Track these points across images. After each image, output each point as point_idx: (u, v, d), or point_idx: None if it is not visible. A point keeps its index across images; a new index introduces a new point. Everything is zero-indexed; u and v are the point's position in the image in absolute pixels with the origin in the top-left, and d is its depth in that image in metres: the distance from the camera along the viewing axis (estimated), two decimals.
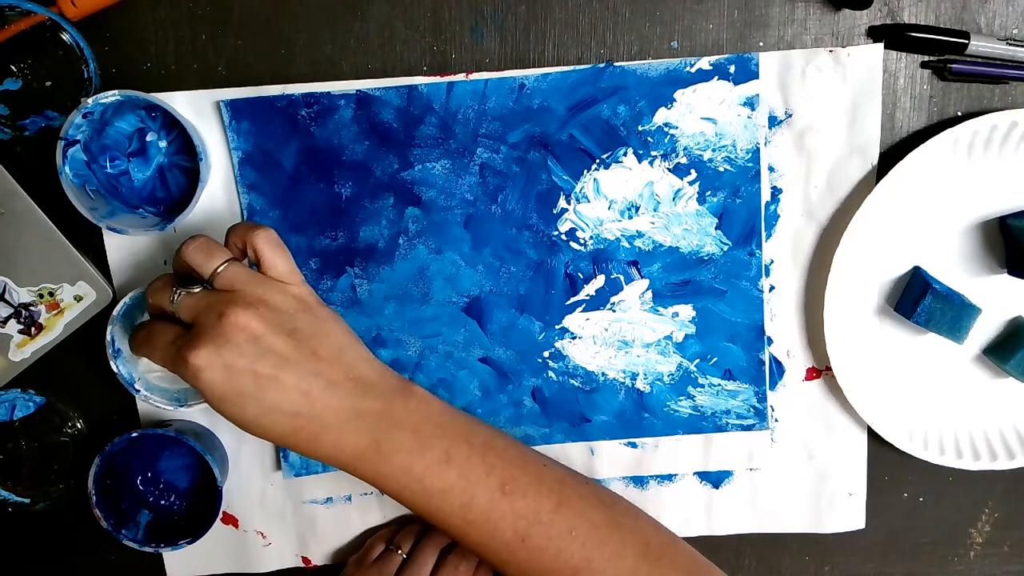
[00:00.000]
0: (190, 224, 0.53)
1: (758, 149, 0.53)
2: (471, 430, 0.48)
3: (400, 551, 0.55)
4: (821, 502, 0.58)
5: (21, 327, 0.53)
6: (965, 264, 0.54)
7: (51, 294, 0.52)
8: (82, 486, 0.53)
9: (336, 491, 0.57)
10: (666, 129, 0.52)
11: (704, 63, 0.51)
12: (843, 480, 0.57)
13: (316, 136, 0.52)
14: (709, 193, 0.53)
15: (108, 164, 0.52)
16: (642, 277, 0.54)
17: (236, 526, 0.57)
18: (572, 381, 0.56)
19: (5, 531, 0.57)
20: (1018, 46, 0.52)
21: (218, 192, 0.53)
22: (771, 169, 0.53)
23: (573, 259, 0.54)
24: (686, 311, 0.55)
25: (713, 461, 0.57)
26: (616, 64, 0.52)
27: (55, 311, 0.53)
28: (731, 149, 0.53)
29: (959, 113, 0.54)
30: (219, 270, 0.44)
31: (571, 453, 0.57)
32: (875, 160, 0.53)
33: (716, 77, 0.52)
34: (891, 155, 0.53)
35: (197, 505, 0.55)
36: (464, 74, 0.52)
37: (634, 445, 0.57)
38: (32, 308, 0.52)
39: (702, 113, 0.52)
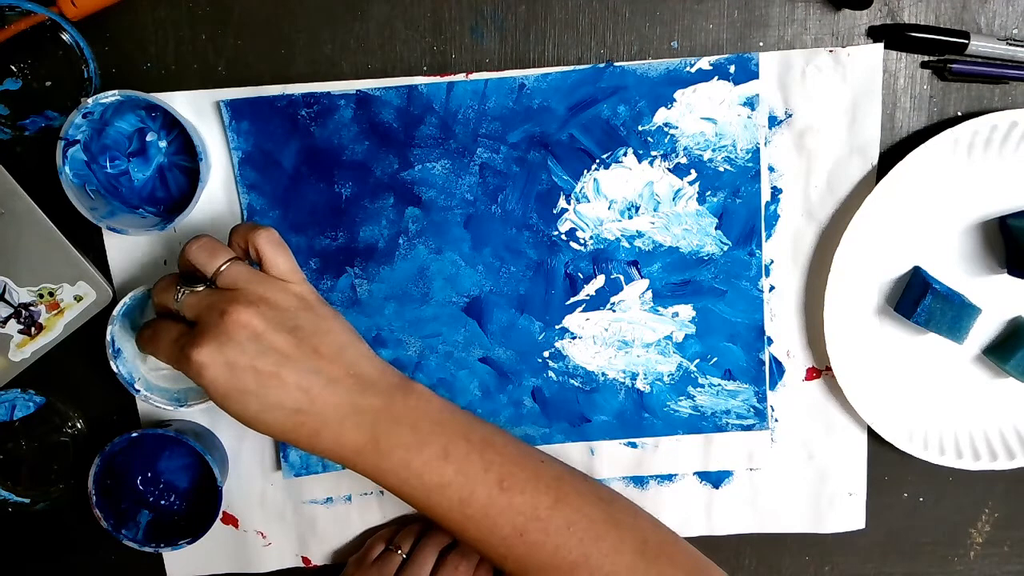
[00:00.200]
0: (190, 224, 0.53)
1: (758, 149, 0.53)
2: (470, 427, 0.48)
3: (400, 551, 0.55)
4: (821, 502, 0.58)
5: (21, 327, 0.53)
6: (965, 264, 0.54)
7: (51, 294, 0.52)
8: (82, 486, 0.53)
9: (336, 491, 0.57)
10: (666, 129, 0.52)
11: (704, 63, 0.51)
12: (843, 480, 0.57)
13: (316, 136, 0.52)
14: (709, 193, 0.53)
15: (108, 164, 0.52)
16: (642, 277, 0.54)
17: (236, 526, 0.57)
18: (572, 381, 0.56)
19: (5, 531, 0.57)
20: (1018, 46, 0.52)
21: (218, 192, 0.53)
22: (771, 169, 0.53)
23: (573, 259, 0.54)
24: (686, 311, 0.55)
25: (713, 461, 0.57)
26: (616, 64, 0.52)
27: (55, 311, 0.53)
28: (731, 149, 0.53)
29: (959, 113, 0.54)
30: (222, 269, 0.45)
31: (571, 453, 0.57)
32: (875, 160, 0.53)
33: (716, 77, 0.52)
34: (891, 155, 0.53)
35: (197, 505, 0.55)
36: (464, 74, 0.52)
37: (634, 445, 0.57)
38: (32, 308, 0.53)
39: (702, 113, 0.52)
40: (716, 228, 0.54)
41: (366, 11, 0.51)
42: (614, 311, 0.55)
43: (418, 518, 0.57)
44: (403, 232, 0.53)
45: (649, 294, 0.54)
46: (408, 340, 0.55)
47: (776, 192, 0.54)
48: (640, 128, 0.52)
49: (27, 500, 0.56)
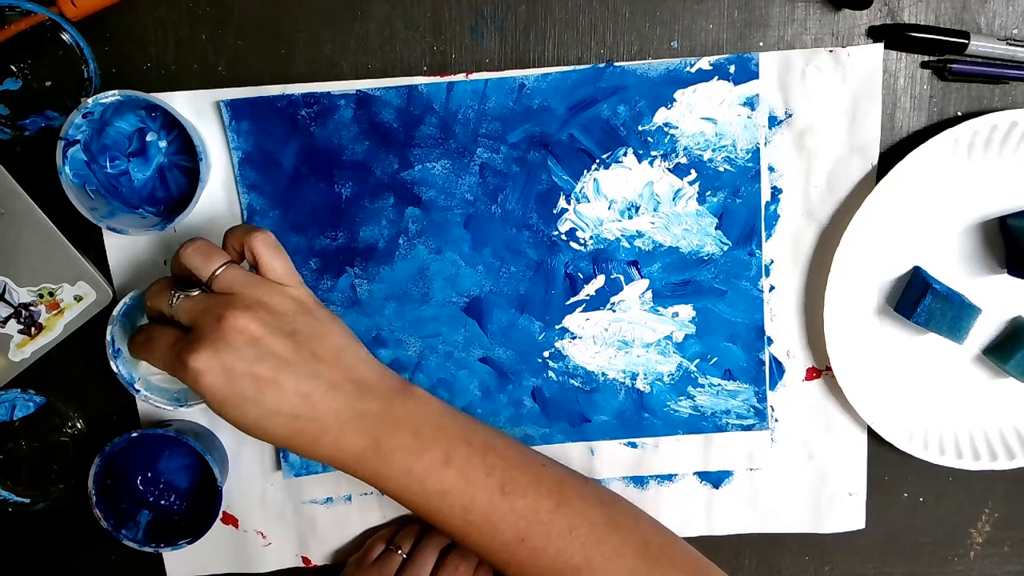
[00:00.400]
0: (190, 224, 0.53)
1: (758, 149, 0.53)
2: (471, 431, 0.48)
3: (400, 551, 0.55)
4: (821, 502, 0.58)
5: (21, 327, 0.53)
6: (965, 264, 0.54)
7: (51, 294, 0.52)
8: (82, 486, 0.53)
9: (336, 491, 0.57)
10: (666, 129, 0.52)
11: (704, 63, 0.51)
12: (843, 480, 0.57)
13: (316, 136, 0.52)
14: (709, 193, 0.53)
15: (108, 164, 0.52)
16: (642, 277, 0.54)
17: (236, 526, 0.57)
18: (572, 381, 0.56)
19: (5, 531, 0.57)
20: (1018, 46, 0.52)
21: (218, 192, 0.53)
22: (771, 169, 0.53)
23: (573, 259, 0.54)
24: (686, 311, 0.55)
25: (713, 461, 0.57)
26: (616, 64, 0.52)
27: (55, 311, 0.53)
28: (731, 149, 0.53)
29: (959, 113, 0.54)
30: (217, 273, 0.44)
31: (571, 453, 0.57)
32: (875, 160, 0.53)
33: (716, 77, 0.52)
34: (891, 155, 0.53)
35: (197, 505, 0.55)
36: (464, 74, 0.52)
37: (634, 445, 0.57)
38: (32, 308, 0.52)
39: (702, 113, 0.52)
40: (716, 228, 0.54)
41: (366, 11, 0.51)
42: (614, 311, 0.55)
43: (418, 518, 0.57)
44: (403, 232, 0.53)
45: (649, 294, 0.54)
46: (408, 340, 0.55)
47: (776, 192, 0.54)
48: (640, 128, 0.52)
49: (27, 500, 0.56)
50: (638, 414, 0.56)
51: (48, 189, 0.50)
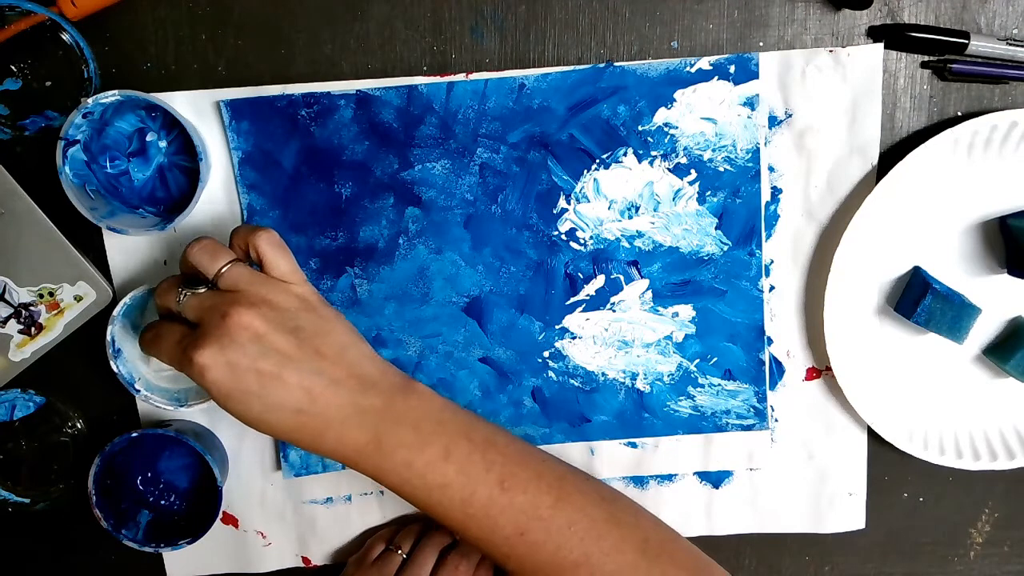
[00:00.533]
0: (190, 224, 0.53)
1: (758, 149, 0.53)
2: (471, 427, 0.48)
3: (400, 551, 0.55)
4: (821, 502, 0.58)
5: (21, 327, 0.53)
6: (965, 264, 0.54)
7: (51, 294, 0.52)
8: (82, 486, 0.53)
9: (336, 491, 0.57)
10: (666, 129, 0.52)
11: (704, 63, 0.51)
12: (843, 480, 0.57)
13: (316, 136, 0.52)
14: (709, 193, 0.53)
15: (108, 164, 0.52)
16: (642, 277, 0.54)
17: (236, 526, 0.57)
18: (572, 381, 0.56)
19: (5, 531, 0.57)
20: (1018, 46, 0.52)
21: (218, 192, 0.53)
22: (771, 169, 0.53)
23: (573, 259, 0.54)
24: (686, 311, 0.55)
25: (713, 461, 0.57)
26: (616, 64, 0.52)
27: (55, 311, 0.53)
28: (731, 149, 0.53)
29: (959, 113, 0.54)
30: (223, 271, 0.45)
31: (571, 453, 0.57)
32: (875, 160, 0.53)
33: (716, 77, 0.52)
34: (891, 155, 0.53)
35: (197, 505, 0.55)
36: (464, 74, 0.52)
37: (634, 445, 0.57)
38: (32, 308, 0.53)
39: (702, 113, 0.52)
40: (716, 228, 0.54)
41: (366, 11, 0.51)
42: (614, 311, 0.55)
43: (418, 518, 0.57)
44: (403, 232, 0.53)
45: (649, 294, 0.54)
46: (408, 340, 0.55)
47: (776, 192, 0.54)
48: (640, 128, 0.52)
49: (27, 500, 0.56)
50: (638, 414, 0.56)
51: (48, 189, 0.50)
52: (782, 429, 0.57)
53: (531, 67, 0.52)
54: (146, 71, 0.51)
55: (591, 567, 0.47)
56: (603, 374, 0.56)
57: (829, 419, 0.57)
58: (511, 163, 0.53)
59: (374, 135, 0.52)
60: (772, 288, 0.55)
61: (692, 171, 0.53)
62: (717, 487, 0.58)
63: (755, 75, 0.52)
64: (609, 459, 0.57)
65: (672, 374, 0.56)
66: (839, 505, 0.58)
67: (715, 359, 0.55)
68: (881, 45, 0.52)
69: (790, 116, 0.52)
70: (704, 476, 0.58)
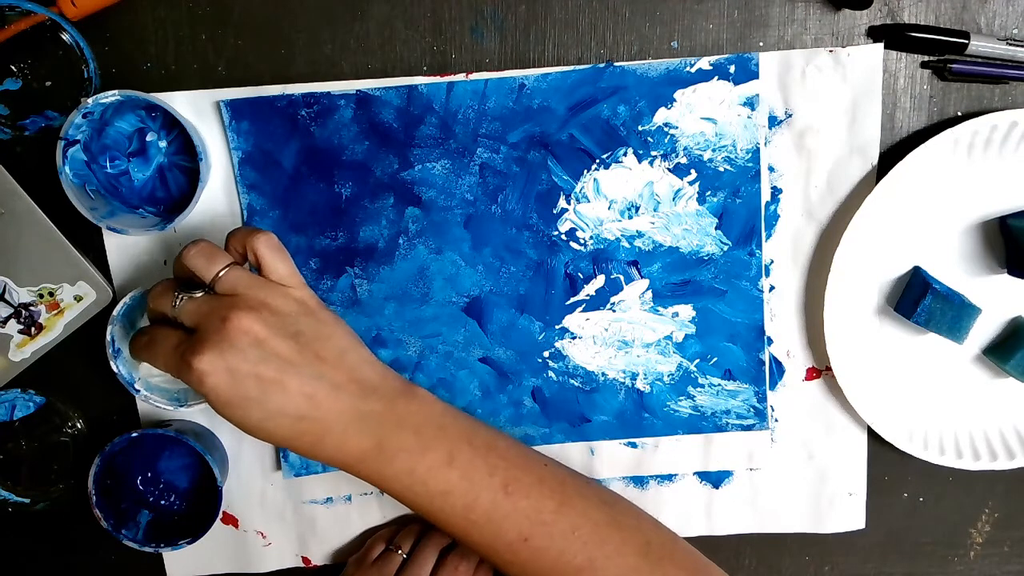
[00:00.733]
0: (190, 224, 0.53)
1: (758, 149, 0.53)
2: (473, 431, 0.48)
3: (400, 551, 0.55)
4: (821, 502, 0.58)
5: (21, 327, 0.53)
6: (965, 264, 0.54)
7: (51, 294, 0.52)
8: (82, 486, 0.53)
9: (336, 491, 0.57)
10: (666, 129, 0.52)
11: (704, 63, 0.51)
12: (843, 480, 0.57)
13: (316, 136, 0.52)
14: (709, 193, 0.53)
15: (108, 164, 0.52)
16: (642, 277, 0.54)
17: (236, 526, 0.57)
18: (572, 381, 0.56)
19: (5, 531, 0.57)
20: (1018, 46, 0.52)
21: (218, 192, 0.53)
22: (771, 169, 0.53)
23: (573, 259, 0.54)
24: (686, 311, 0.55)
25: (713, 461, 0.57)
26: (616, 64, 0.52)
27: (55, 311, 0.53)
28: (731, 149, 0.53)
29: (959, 113, 0.54)
30: (220, 274, 0.44)
31: (571, 453, 0.57)
32: (875, 160, 0.53)
33: (716, 77, 0.52)
34: (891, 155, 0.53)
35: (197, 505, 0.55)
36: (464, 74, 0.52)
37: (634, 445, 0.57)
38: (32, 308, 0.52)
39: (702, 113, 0.52)
40: (716, 228, 0.54)
41: (366, 11, 0.51)
42: (614, 311, 0.55)
43: (418, 518, 0.57)
44: (403, 232, 0.53)
45: (649, 294, 0.54)
46: (408, 340, 0.55)
47: (776, 192, 0.54)
48: (640, 128, 0.52)
49: (27, 500, 0.56)
50: (638, 414, 0.56)
51: (48, 189, 0.50)
52: (782, 429, 0.57)
53: (531, 67, 0.52)
54: (146, 71, 0.51)
55: (594, 571, 0.47)
56: (603, 374, 0.56)
57: (829, 419, 0.57)
58: (511, 163, 0.53)
59: (374, 135, 0.52)
60: (772, 288, 0.55)
61: (692, 171, 0.53)
62: (717, 487, 0.58)
63: (755, 75, 0.52)
64: (609, 459, 0.57)
65: (672, 374, 0.56)
66: (839, 505, 0.58)
67: (715, 359, 0.55)
68: (881, 45, 0.52)
69: (790, 116, 0.52)
70: (704, 476, 0.58)
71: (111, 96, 0.48)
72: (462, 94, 0.52)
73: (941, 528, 0.59)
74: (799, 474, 0.58)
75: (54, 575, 0.58)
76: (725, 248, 0.54)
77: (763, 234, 0.54)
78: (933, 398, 0.56)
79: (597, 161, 0.53)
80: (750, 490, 0.58)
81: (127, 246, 0.53)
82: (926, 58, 0.53)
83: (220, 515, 0.53)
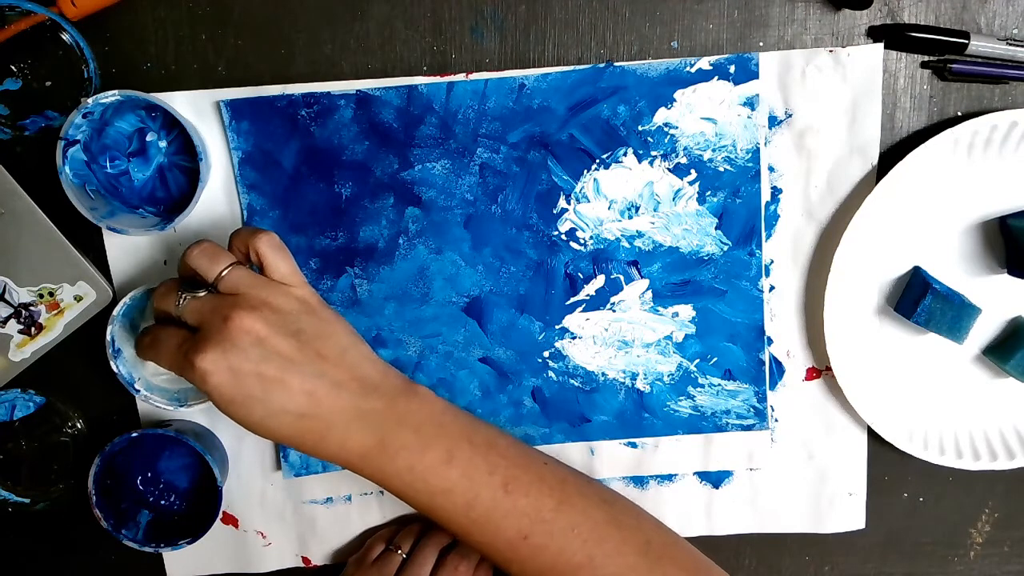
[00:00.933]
0: (190, 224, 0.53)
1: (758, 149, 0.53)
2: (473, 429, 0.48)
3: (400, 551, 0.55)
4: (821, 502, 0.58)
5: (21, 327, 0.53)
6: (965, 264, 0.54)
7: (51, 294, 0.52)
8: (82, 486, 0.53)
9: (336, 491, 0.57)
10: (666, 129, 0.52)
11: (704, 63, 0.51)
12: (843, 480, 0.57)
13: (316, 136, 0.52)
14: (709, 193, 0.53)
15: (108, 164, 0.52)
16: (642, 277, 0.54)
17: (236, 526, 0.57)
18: (572, 381, 0.56)
19: (5, 531, 0.57)
20: (1018, 46, 0.52)
21: (218, 192, 0.53)
22: (771, 169, 0.53)
23: (573, 259, 0.54)
24: (686, 311, 0.55)
25: (713, 461, 0.57)
26: (616, 64, 0.52)
27: (55, 311, 0.53)
28: (731, 149, 0.53)
29: (959, 113, 0.54)
30: (223, 274, 0.44)
31: (571, 453, 0.57)
32: (875, 160, 0.53)
33: (716, 77, 0.52)
34: (891, 155, 0.53)
35: (197, 505, 0.55)
36: (464, 74, 0.52)
37: (634, 445, 0.57)
38: (32, 308, 0.52)
39: (702, 113, 0.52)
40: (716, 228, 0.54)
41: (366, 11, 0.51)
42: (614, 311, 0.55)
43: (418, 518, 0.57)
44: (403, 232, 0.53)
45: (649, 294, 0.54)
46: (408, 340, 0.55)
47: (776, 192, 0.54)
48: (640, 128, 0.52)
49: (27, 500, 0.56)
50: (638, 414, 0.56)
51: (48, 189, 0.50)
52: (782, 429, 0.57)
53: (531, 67, 0.52)
54: (146, 71, 0.51)
55: (593, 569, 0.47)
56: (603, 374, 0.56)
57: (829, 419, 0.57)
58: (511, 163, 0.53)
59: (374, 135, 0.52)
60: (772, 288, 0.55)
61: (692, 171, 0.53)
62: (717, 487, 0.58)
63: (755, 75, 0.52)
64: (609, 459, 0.57)
65: (672, 374, 0.56)
66: (839, 505, 0.58)
67: (715, 359, 0.55)
68: (881, 45, 0.52)
69: (790, 116, 0.52)
70: (704, 476, 0.58)
71: (111, 96, 0.48)
72: (462, 94, 0.52)
73: (941, 528, 0.59)
74: (799, 474, 0.58)
75: (54, 575, 0.58)
76: (725, 248, 0.54)
77: (763, 234, 0.54)
78: (933, 398, 0.56)
79: (597, 161, 0.53)
80: (750, 490, 0.58)
81: (127, 246, 0.53)
82: (926, 58, 0.53)
83: (220, 515, 0.53)
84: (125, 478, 0.55)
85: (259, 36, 0.51)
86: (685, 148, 0.52)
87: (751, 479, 0.58)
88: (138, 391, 0.52)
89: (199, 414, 0.56)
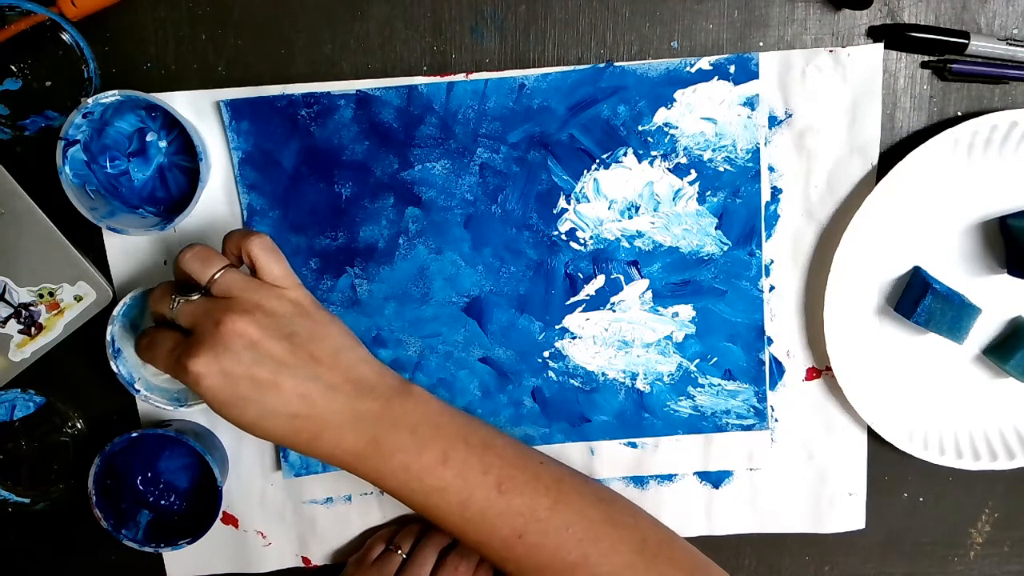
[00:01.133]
0: (190, 224, 0.53)
1: (758, 149, 0.53)
2: (469, 430, 0.48)
3: (400, 551, 0.55)
4: (821, 502, 0.58)
5: (21, 327, 0.53)
6: (965, 264, 0.54)
7: (51, 294, 0.52)
8: (82, 486, 0.53)
9: (336, 491, 0.57)
10: (666, 129, 0.52)
11: (704, 63, 0.51)
12: (843, 480, 0.57)
13: (316, 136, 0.52)
14: (709, 193, 0.53)
15: (108, 164, 0.52)
16: (642, 277, 0.54)
17: (236, 526, 0.57)
18: (572, 381, 0.56)
19: (5, 531, 0.57)
20: (1018, 46, 0.52)
21: (218, 192, 0.53)
22: (771, 169, 0.53)
23: (573, 259, 0.54)
24: (686, 311, 0.55)
25: (713, 461, 0.57)
26: (616, 64, 0.52)
27: (55, 311, 0.53)
28: (731, 149, 0.53)
29: (959, 113, 0.54)
30: (215, 277, 0.44)
31: (571, 453, 0.57)
32: (875, 160, 0.53)
33: (716, 77, 0.52)
34: (891, 155, 0.53)
35: (197, 505, 0.55)
36: (464, 74, 0.52)
37: (634, 445, 0.57)
38: (32, 308, 0.53)
39: (702, 113, 0.52)
40: (716, 228, 0.54)
41: (366, 11, 0.51)
42: (614, 311, 0.55)
43: (418, 518, 0.57)
44: (403, 232, 0.53)
45: (649, 294, 0.54)
46: (408, 340, 0.55)
47: (776, 192, 0.54)
48: (640, 128, 0.52)
49: (27, 500, 0.56)
50: (638, 414, 0.56)
51: (48, 189, 0.50)
52: (782, 429, 0.57)
53: (531, 67, 0.52)
54: (146, 71, 0.51)
55: (589, 567, 0.47)
56: (603, 374, 0.56)
57: (829, 419, 0.57)
58: (511, 163, 0.53)
59: (374, 135, 0.52)
60: (772, 288, 0.55)
61: (692, 171, 0.53)
62: (717, 487, 0.58)
63: (755, 75, 0.52)
64: (609, 459, 0.57)
65: (672, 374, 0.56)
66: (839, 505, 0.58)
67: (715, 359, 0.55)
68: (881, 45, 0.52)
69: (790, 116, 0.52)
70: (704, 476, 0.58)
71: (111, 96, 0.48)
72: (462, 94, 0.52)
73: (941, 528, 0.59)
74: (799, 474, 0.58)
75: (54, 575, 0.58)
76: (725, 248, 0.54)
77: (763, 234, 0.54)
78: (933, 398, 0.56)
79: (597, 161, 0.53)
80: (750, 490, 0.58)
81: (127, 246, 0.53)
82: (926, 58, 0.53)
83: (220, 515, 0.53)
84: (125, 478, 0.55)
85: (259, 36, 0.51)
86: (685, 148, 0.52)
87: (751, 479, 0.58)
88: (138, 391, 0.52)
89: (199, 414, 0.56)
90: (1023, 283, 0.54)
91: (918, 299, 0.51)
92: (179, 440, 0.53)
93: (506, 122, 0.52)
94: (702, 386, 0.56)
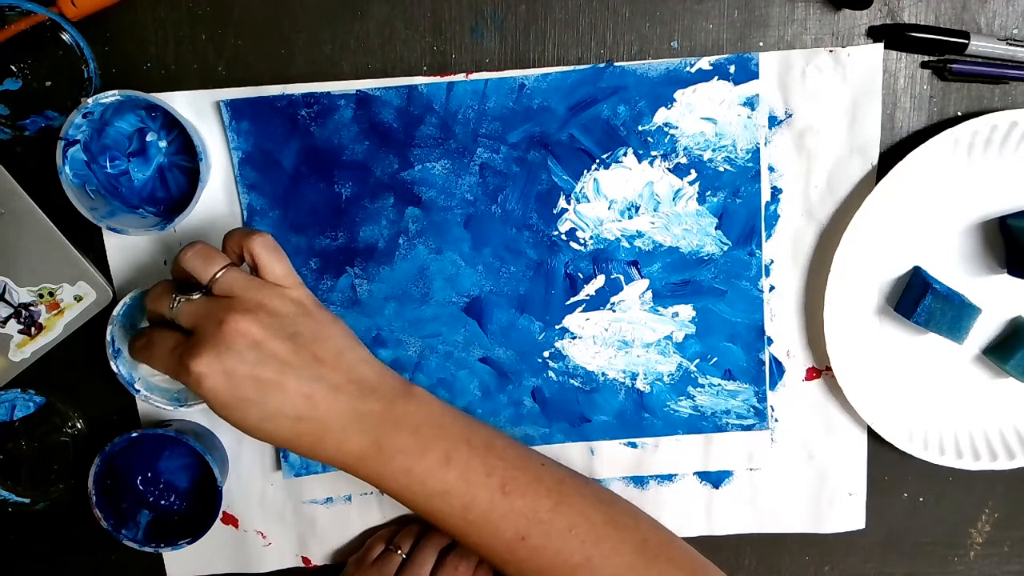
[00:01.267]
0: (190, 224, 0.53)
1: (758, 149, 0.53)
2: (471, 431, 0.48)
3: (400, 551, 0.55)
4: (821, 502, 0.58)
5: (21, 327, 0.53)
6: (965, 264, 0.54)
7: (51, 294, 0.52)
8: (82, 486, 0.53)
9: (336, 491, 0.57)
10: (666, 129, 0.52)
11: (704, 63, 0.51)
12: (843, 480, 0.57)
13: (316, 136, 0.52)
14: (709, 193, 0.53)
15: (108, 164, 0.52)
16: (642, 277, 0.54)
17: (236, 526, 0.57)
18: (572, 381, 0.56)
19: (5, 531, 0.57)
20: (1018, 46, 0.52)
21: (218, 192, 0.53)
22: (771, 169, 0.53)
23: (573, 259, 0.54)
24: (686, 311, 0.55)
25: (713, 461, 0.57)
26: (616, 64, 0.52)
27: (55, 311, 0.53)
28: (731, 149, 0.53)
29: (959, 113, 0.54)
30: (217, 276, 0.44)
31: (571, 453, 0.57)
32: (875, 160, 0.53)
33: (716, 77, 0.52)
34: (891, 155, 0.53)
35: (197, 505, 0.55)
36: (464, 74, 0.52)
37: (634, 445, 0.57)
38: (32, 308, 0.53)
39: (702, 113, 0.52)
40: (716, 228, 0.54)
41: (366, 11, 0.51)
42: (614, 311, 0.55)
43: (418, 518, 0.57)
44: (403, 232, 0.53)
45: (649, 294, 0.54)
46: (408, 340, 0.55)
47: (776, 192, 0.54)
48: (640, 128, 0.52)
49: (27, 500, 0.56)
50: (638, 414, 0.56)
51: (48, 189, 0.50)
52: (782, 429, 0.57)
53: (531, 67, 0.52)
54: (146, 71, 0.51)
55: (591, 569, 0.47)
56: (603, 374, 0.56)
57: (829, 419, 0.57)
58: (511, 163, 0.53)
59: (374, 135, 0.52)
60: (772, 288, 0.55)
61: (692, 171, 0.53)
62: (717, 487, 0.58)
63: (755, 75, 0.52)
64: (609, 459, 0.57)
65: (672, 374, 0.56)
66: (839, 505, 0.58)
67: (715, 359, 0.55)
68: (881, 45, 0.52)
69: (790, 116, 0.52)
70: (704, 476, 0.58)
71: (111, 96, 0.48)
72: (462, 94, 0.52)
73: (941, 528, 0.59)
74: (799, 474, 0.58)
75: (54, 575, 0.58)
76: (725, 248, 0.54)
77: (763, 234, 0.54)
78: (933, 398, 0.56)
79: (597, 161, 0.53)
80: (750, 490, 0.58)
81: (127, 246, 0.53)
82: (926, 58, 0.53)
83: (220, 515, 0.53)
84: (125, 478, 0.55)
85: (259, 36, 0.51)
86: (685, 148, 0.52)
87: (751, 479, 0.58)
88: (138, 391, 0.52)
89: (199, 414, 0.56)
90: (1023, 283, 0.54)
91: (918, 299, 0.51)
92: (179, 440, 0.53)
93: (506, 122, 0.52)
94: (702, 386, 0.56)
